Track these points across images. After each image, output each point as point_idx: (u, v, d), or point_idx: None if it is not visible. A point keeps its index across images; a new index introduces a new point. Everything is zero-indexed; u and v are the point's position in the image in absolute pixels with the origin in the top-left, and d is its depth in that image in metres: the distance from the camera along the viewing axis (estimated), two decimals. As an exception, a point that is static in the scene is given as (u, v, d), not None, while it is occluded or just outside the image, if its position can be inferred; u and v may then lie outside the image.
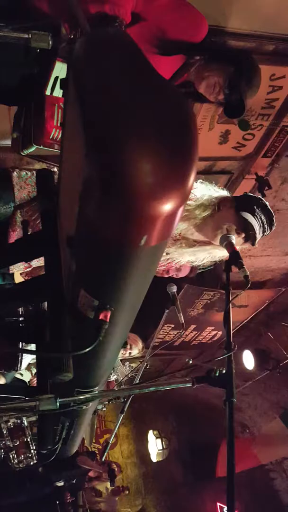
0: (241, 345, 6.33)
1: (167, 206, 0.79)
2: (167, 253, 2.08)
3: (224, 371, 1.50)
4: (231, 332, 1.66)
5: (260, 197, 2.11)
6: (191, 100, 2.38)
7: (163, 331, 5.86)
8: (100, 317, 1.00)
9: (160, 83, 0.89)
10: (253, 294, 5.46)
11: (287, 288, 5.23)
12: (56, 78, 1.74)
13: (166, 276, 2.67)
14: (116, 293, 0.99)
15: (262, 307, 5.62)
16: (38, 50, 1.82)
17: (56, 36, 1.68)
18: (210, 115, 2.91)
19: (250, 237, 1.92)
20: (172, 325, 5.62)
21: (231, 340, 1.63)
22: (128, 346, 3.36)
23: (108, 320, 1.00)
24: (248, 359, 6.13)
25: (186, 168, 0.81)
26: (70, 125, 1.01)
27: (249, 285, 1.71)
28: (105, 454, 2.70)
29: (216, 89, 2.09)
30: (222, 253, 2.04)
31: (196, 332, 6.16)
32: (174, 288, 2.58)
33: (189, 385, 1.50)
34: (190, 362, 1.70)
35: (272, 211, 2.02)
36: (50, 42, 1.49)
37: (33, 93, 1.93)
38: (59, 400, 1.29)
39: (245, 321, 5.89)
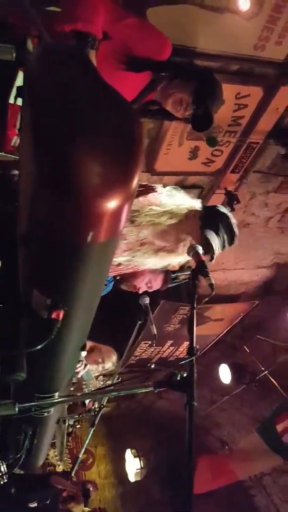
0: (217, 359, 6.35)
1: (111, 204, 0.83)
2: (133, 257, 2.09)
3: (185, 375, 1.51)
4: (194, 338, 1.68)
5: (228, 214, 2.12)
6: (160, 117, 2.46)
7: (140, 349, 5.86)
8: (53, 316, 1.02)
9: (107, 92, 0.94)
10: (228, 308, 5.52)
11: (260, 300, 5.30)
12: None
13: (140, 291, 2.69)
14: (68, 291, 1.02)
15: (237, 320, 5.68)
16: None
17: (21, 49, 1.74)
18: (179, 131, 2.99)
19: (208, 255, 1.96)
20: (149, 342, 5.62)
21: (194, 345, 1.64)
22: (100, 360, 3.35)
23: (60, 319, 1.02)
24: (225, 373, 6.15)
25: (129, 169, 0.86)
26: (25, 129, 1.06)
27: (213, 292, 1.74)
28: (74, 469, 2.67)
29: (183, 105, 2.16)
30: (182, 259, 2.07)
31: (173, 347, 6.17)
32: (146, 300, 2.60)
33: (151, 389, 1.51)
34: (152, 366, 1.70)
35: (236, 229, 2.05)
36: (14, 55, 1.54)
37: None
38: (18, 405, 1.30)
39: (221, 334, 5.94)
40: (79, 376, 2.99)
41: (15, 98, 1.70)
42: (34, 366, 1.17)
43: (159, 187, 2.13)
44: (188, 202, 2.12)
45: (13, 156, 1.82)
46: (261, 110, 3.01)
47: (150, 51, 2.03)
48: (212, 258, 1.97)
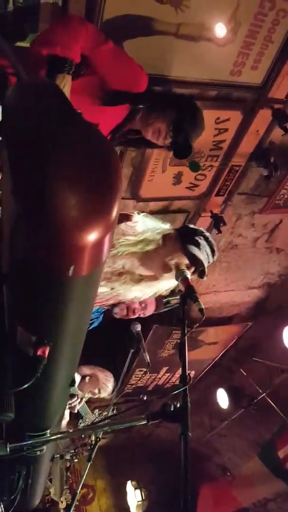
0: (214, 383, 6.27)
1: (91, 236, 0.82)
2: (112, 288, 2.07)
3: (178, 405, 1.47)
4: (186, 365, 1.63)
5: (200, 228, 2.14)
6: (142, 146, 2.48)
7: (135, 376, 5.77)
8: (38, 353, 0.99)
9: (80, 123, 0.94)
10: (221, 331, 5.48)
11: (254, 322, 5.28)
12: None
13: (133, 317, 2.66)
14: (53, 326, 0.99)
15: (232, 343, 5.64)
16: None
17: (2, 85, 1.76)
18: (161, 158, 3.02)
19: (198, 271, 1.95)
20: (144, 369, 5.54)
21: (186, 373, 1.60)
22: (96, 390, 3.28)
23: (46, 355, 1.00)
24: (222, 398, 6.06)
25: (107, 199, 0.85)
26: (3, 166, 1.05)
27: (204, 317, 1.71)
28: (74, 505, 2.59)
29: (162, 134, 2.18)
30: (169, 285, 2.06)
31: (169, 374, 6.08)
32: (138, 327, 2.57)
33: (144, 422, 1.47)
34: (145, 398, 1.66)
35: (213, 241, 2.06)
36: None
37: None
38: (9, 445, 1.25)
39: (216, 358, 5.88)
40: (75, 411, 2.93)
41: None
42: (23, 405, 1.13)
43: (134, 215, 2.13)
44: (161, 226, 2.13)
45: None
46: (242, 133, 3.06)
47: (127, 82, 2.06)
48: (203, 274, 1.96)
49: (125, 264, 2.01)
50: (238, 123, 3.00)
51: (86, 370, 3.19)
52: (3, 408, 1.03)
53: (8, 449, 1.24)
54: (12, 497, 1.66)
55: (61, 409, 1.46)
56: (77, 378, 3.04)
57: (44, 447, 1.47)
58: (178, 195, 3.38)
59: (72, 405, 2.86)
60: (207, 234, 2.04)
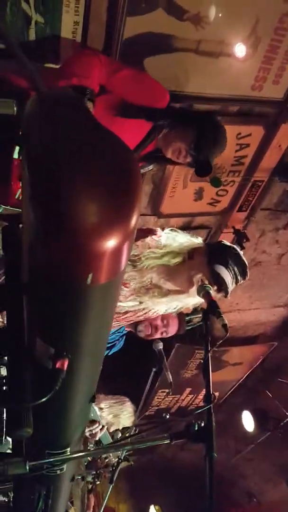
0: (239, 405, 6.11)
1: (110, 243, 0.80)
2: (141, 303, 2.06)
3: (203, 425, 1.42)
4: (211, 383, 1.58)
5: (234, 246, 2.10)
6: (163, 163, 2.48)
7: (157, 398, 5.66)
8: (57, 366, 0.97)
9: (102, 131, 0.93)
10: (246, 351, 5.36)
11: (279, 341, 5.15)
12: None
13: (157, 337, 2.62)
14: (72, 338, 0.97)
15: (257, 364, 5.50)
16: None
17: (22, 104, 1.78)
18: (182, 174, 3.02)
19: (222, 290, 1.91)
20: (166, 390, 5.44)
21: (210, 391, 1.55)
22: (114, 420, 3.24)
23: (65, 368, 0.97)
24: (248, 421, 5.89)
25: (127, 206, 0.83)
26: (23, 175, 1.05)
27: (227, 334, 1.66)
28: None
29: (182, 154, 2.17)
30: (195, 301, 2.02)
31: (192, 395, 5.95)
32: (160, 345, 2.53)
33: (167, 441, 1.42)
34: (167, 417, 1.61)
35: (245, 261, 2.01)
36: (15, 109, 1.57)
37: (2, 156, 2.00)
38: (29, 463, 1.22)
39: (241, 379, 5.74)
40: (96, 438, 2.87)
41: (19, 153, 1.73)
42: (42, 421, 1.10)
43: (158, 230, 2.12)
44: (189, 240, 2.10)
45: (18, 209, 1.83)
46: (264, 148, 3.04)
47: (147, 101, 2.07)
48: (226, 294, 1.92)
49: (153, 278, 1.99)
50: (260, 138, 2.98)
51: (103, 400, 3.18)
52: (21, 423, 1.00)
53: (27, 467, 1.21)
54: (32, 518, 1.62)
55: (81, 426, 1.42)
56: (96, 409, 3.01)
57: (64, 466, 1.43)
58: (200, 211, 3.36)
59: (94, 432, 2.81)
60: (240, 253, 1.98)
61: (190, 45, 2.37)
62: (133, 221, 0.83)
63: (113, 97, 2.03)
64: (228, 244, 2.06)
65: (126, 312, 2.13)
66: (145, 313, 2.14)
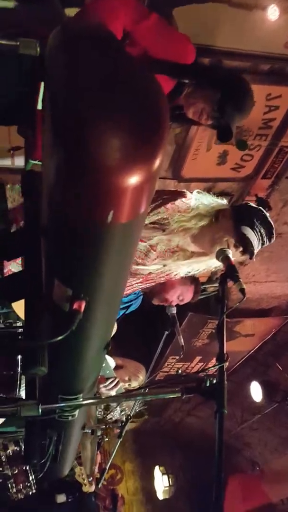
0: (248, 376, 6.15)
1: (132, 180, 0.77)
2: (164, 265, 2.05)
3: (215, 382, 1.42)
4: (225, 343, 1.57)
5: (260, 208, 2.06)
6: (185, 122, 2.40)
7: (168, 364, 5.72)
8: (74, 307, 0.96)
9: (129, 65, 0.89)
10: (259, 323, 5.35)
11: (293, 315, 5.12)
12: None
13: (173, 305, 2.63)
14: (90, 280, 0.95)
15: (269, 336, 5.49)
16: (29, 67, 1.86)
17: (44, 46, 1.73)
18: (206, 136, 2.93)
19: (248, 251, 1.89)
20: (177, 357, 5.49)
21: (224, 352, 1.54)
22: (127, 378, 3.28)
23: (82, 310, 0.96)
24: (256, 391, 5.95)
25: (152, 144, 0.80)
26: (45, 114, 1.01)
27: (245, 298, 1.64)
28: (102, 480, 2.59)
29: (204, 116, 2.08)
30: (218, 263, 2.00)
31: (202, 363, 6.01)
32: (173, 310, 2.53)
33: (178, 395, 1.43)
34: (180, 372, 1.62)
35: (272, 223, 1.98)
36: (38, 49, 1.51)
37: (28, 110, 1.96)
38: (42, 406, 1.23)
39: (252, 351, 5.75)
40: (112, 393, 2.92)
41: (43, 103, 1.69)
42: (57, 363, 1.11)
43: (187, 192, 2.09)
44: (216, 202, 2.07)
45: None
46: (294, 112, 2.92)
47: (173, 56, 1.99)
48: (251, 255, 1.90)
49: (179, 241, 1.99)
50: (290, 101, 2.87)
51: (118, 360, 3.21)
52: (36, 361, 1.00)
53: (40, 410, 1.23)
54: (42, 461, 1.66)
55: (95, 373, 1.43)
56: (112, 362, 3.04)
57: (76, 412, 1.45)
58: (222, 176, 3.29)
59: (109, 387, 2.86)
60: (266, 214, 1.95)
61: (224, -5, 2.26)
62: (157, 161, 0.80)
63: (136, 50, 1.95)
64: (254, 205, 2.03)
65: (149, 274, 2.15)
66: (166, 275, 2.15)
